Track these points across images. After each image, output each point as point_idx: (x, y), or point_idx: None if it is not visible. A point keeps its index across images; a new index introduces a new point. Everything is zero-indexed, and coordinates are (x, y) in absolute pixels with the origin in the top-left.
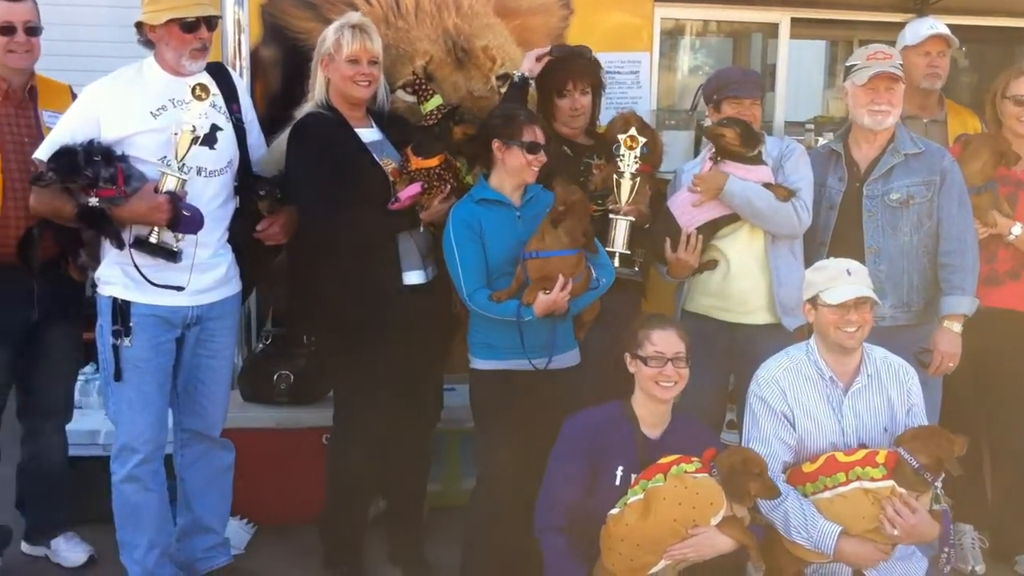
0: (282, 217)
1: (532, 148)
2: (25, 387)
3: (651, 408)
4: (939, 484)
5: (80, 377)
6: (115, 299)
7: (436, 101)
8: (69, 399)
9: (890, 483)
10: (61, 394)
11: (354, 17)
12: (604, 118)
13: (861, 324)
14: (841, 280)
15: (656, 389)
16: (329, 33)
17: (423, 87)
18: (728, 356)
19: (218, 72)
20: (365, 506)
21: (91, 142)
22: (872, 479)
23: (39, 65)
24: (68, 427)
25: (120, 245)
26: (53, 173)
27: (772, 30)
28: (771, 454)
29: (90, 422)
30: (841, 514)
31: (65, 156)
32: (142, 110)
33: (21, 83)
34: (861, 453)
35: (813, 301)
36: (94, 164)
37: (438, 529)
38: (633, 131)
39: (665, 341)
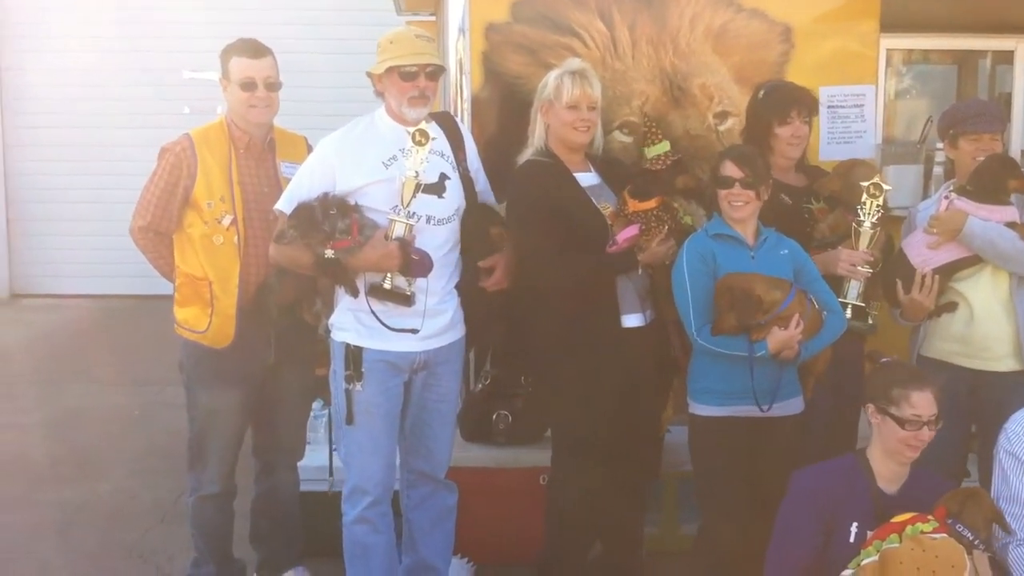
0: (503, 259)
1: (722, 183)
2: (260, 426)
3: (889, 465)
4: None
5: (310, 414)
6: (348, 345)
7: (663, 147)
8: (302, 437)
9: None
10: (294, 433)
11: (574, 63)
12: (827, 153)
13: None
14: None
15: (905, 452)
16: (550, 79)
17: (653, 131)
18: (970, 404)
19: (445, 120)
20: (585, 548)
21: (325, 195)
22: None
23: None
24: (299, 463)
25: (355, 293)
26: (293, 231)
27: (1004, 57)
28: (1023, 515)
29: (319, 458)
30: None
31: (303, 213)
32: (374, 161)
33: (261, 136)
34: None
35: None
36: (330, 218)
37: (657, 575)
38: (877, 179)
39: (924, 403)
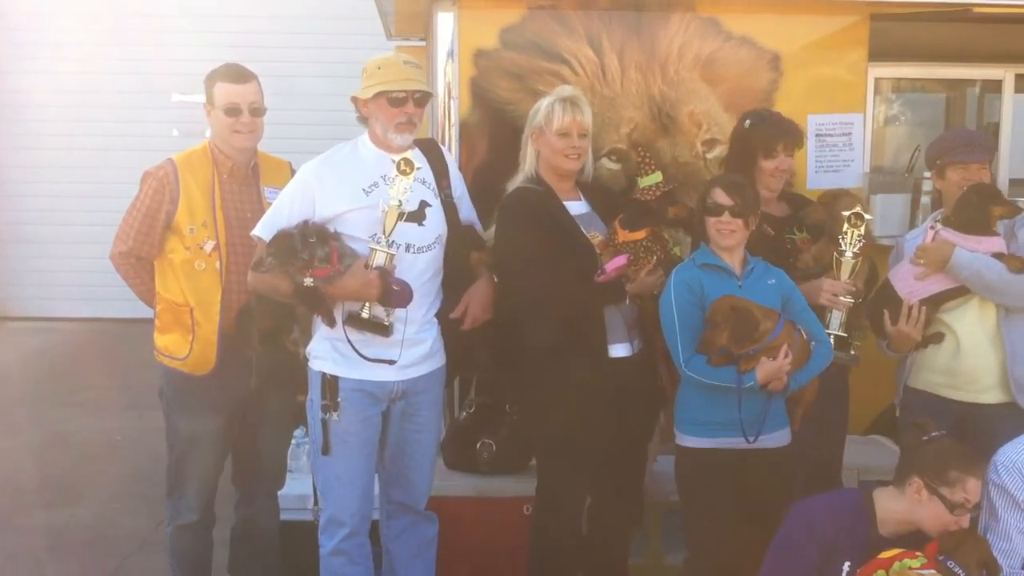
0: (474, 296)
1: (711, 210)
2: (241, 454)
3: (900, 522)
4: None
5: (291, 441)
6: (324, 374)
7: (656, 178)
8: (282, 465)
9: None
10: (275, 461)
11: (566, 90)
12: (815, 182)
13: None
14: None
15: (940, 528)
16: (541, 106)
17: (647, 160)
18: (957, 436)
19: (429, 148)
20: None
21: (305, 223)
22: None
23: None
24: (280, 492)
25: (331, 323)
26: (272, 259)
27: (992, 86)
28: (1011, 550)
29: (300, 487)
30: None
31: (283, 240)
32: (355, 188)
33: (245, 161)
34: None
35: None
36: (310, 245)
37: None
38: (859, 209)
39: (976, 491)
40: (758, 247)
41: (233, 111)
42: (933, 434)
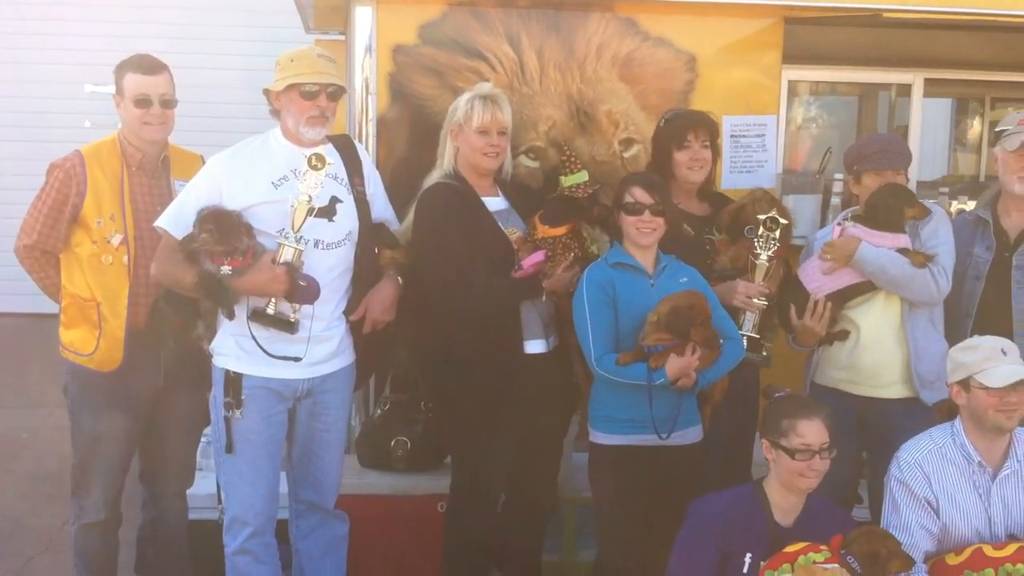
0: (376, 297)
1: (630, 209)
2: (148, 452)
3: (787, 496)
4: None
5: (202, 439)
6: (227, 371)
7: (582, 177)
8: (191, 463)
9: None
10: (183, 459)
11: (485, 88)
12: (729, 182)
13: (1020, 406)
14: (998, 361)
15: (800, 482)
16: (461, 103)
17: (572, 159)
18: (860, 432)
19: (343, 144)
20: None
21: (239, 213)
22: None
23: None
24: (189, 491)
25: (231, 316)
26: (208, 235)
27: (903, 90)
28: (912, 544)
29: (210, 486)
30: None
31: (224, 219)
32: (264, 181)
33: (155, 153)
34: (1012, 548)
35: (965, 383)
36: (244, 231)
37: None
38: (775, 213)
39: (812, 432)
40: (677, 246)
41: (143, 102)
42: (777, 395)
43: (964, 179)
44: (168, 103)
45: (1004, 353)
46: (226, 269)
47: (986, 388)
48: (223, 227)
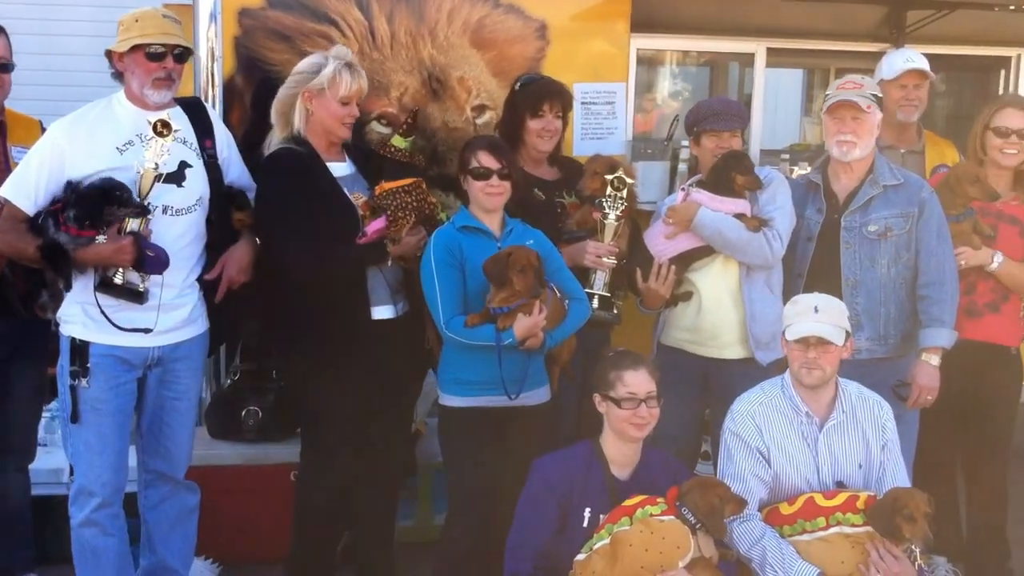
0: (233, 257)
1: (476, 174)
2: None
3: (621, 448)
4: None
5: (45, 414)
6: (74, 339)
7: (401, 143)
8: (32, 438)
9: (869, 529)
10: (25, 433)
11: (345, 53)
12: (579, 148)
13: (822, 364)
14: (806, 316)
15: (630, 430)
16: (326, 69)
17: (409, 124)
18: (702, 390)
19: (193, 107)
20: (334, 544)
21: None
22: (852, 525)
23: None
24: (32, 466)
25: (68, 287)
26: (75, 210)
27: (749, 60)
28: (747, 491)
29: (54, 460)
30: (821, 558)
31: (96, 194)
32: (109, 147)
33: None
34: (842, 497)
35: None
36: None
37: (411, 566)
38: (621, 173)
39: (637, 381)
40: (528, 211)
41: None
42: (611, 353)
43: (811, 147)
44: (5, 67)
45: (816, 310)
46: (83, 240)
47: (787, 341)
48: (95, 202)
